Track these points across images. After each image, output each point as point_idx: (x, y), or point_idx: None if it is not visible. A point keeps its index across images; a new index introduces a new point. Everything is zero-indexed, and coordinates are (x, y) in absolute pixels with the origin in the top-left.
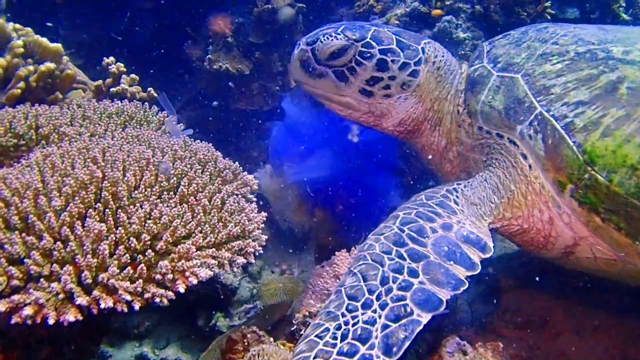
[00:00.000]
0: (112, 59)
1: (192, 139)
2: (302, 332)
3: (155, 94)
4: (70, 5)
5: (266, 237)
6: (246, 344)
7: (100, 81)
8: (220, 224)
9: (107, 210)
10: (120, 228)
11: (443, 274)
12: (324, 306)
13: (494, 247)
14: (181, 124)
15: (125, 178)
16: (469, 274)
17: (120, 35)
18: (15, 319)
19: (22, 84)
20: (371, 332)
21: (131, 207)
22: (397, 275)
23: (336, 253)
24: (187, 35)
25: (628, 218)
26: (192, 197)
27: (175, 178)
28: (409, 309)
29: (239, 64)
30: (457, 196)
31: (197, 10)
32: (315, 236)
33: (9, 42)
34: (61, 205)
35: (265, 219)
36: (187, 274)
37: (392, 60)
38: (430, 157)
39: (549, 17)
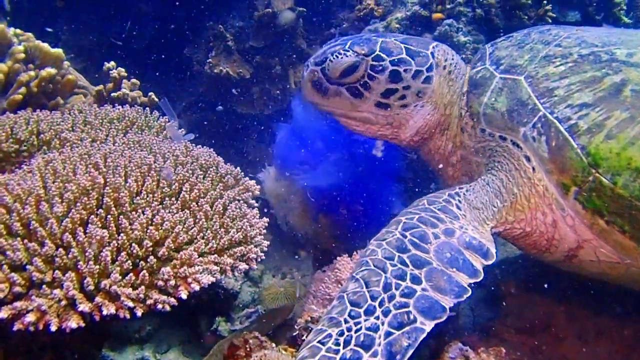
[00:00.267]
0: (112, 63)
1: (193, 144)
2: (304, 337)
3: (156, 99)
4: (71, 9)
5: (268, 242)
6: (248, 349)
7: (102, 86)
8: (222, 229)
9: (109, 216)
10: (122, 234)
11: (446, 281)
12: (327, 312)
13: (496, 252)
14: (182, 129)
15: (127, 184)
16: (472, 281)
17: (121, 39)
18: (17, 326)
19: (23, 90)
20: (374, 338)
21: (133, 213)
22: (399, 281)
23: (338, 258)
24: (188, 39)
25: (632, 221)
26: (194, 203)
27: (177, 184)
28: (412, 317)
29: (239, 68)
30: (459, 201)
31: (198, 14)
32: (317, 241)
33: (10, 48)
34: (63, 211)
35: (267, 224)
36: (189, 280)
37: (405, 70)
38: (435, 161)
39: (550, 21)
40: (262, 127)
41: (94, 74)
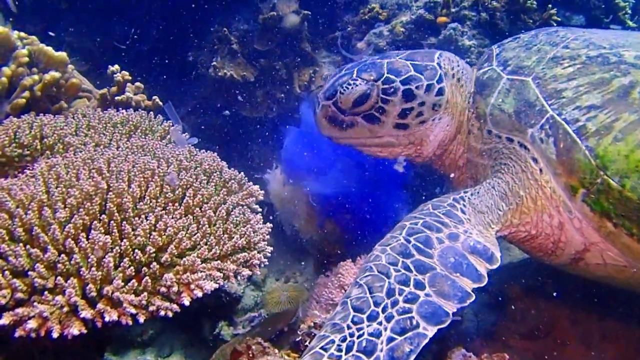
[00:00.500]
0: (116, 67)
1: (197, 148)
2: (307, 343)
3: (160, 102)
4: (75, 11)
5: (271, 248)
6: (251, 355)
7: (105, 90)
8: (226, 235)
9: (112, 222)
10: (125, 240)
11: (449, 287)
12: (330, 317)
13: (500, 257)
14: (186, 133)
15: (131, 189)
16: (476, 285)
17: (125, 42)
18: (19, 332)
19: (26, 94)
20: (376, 344)
21: (136, 218)
22: (403, 287)
23: (341, 263)
24: (193, 42)
25: None
26: (197, 209)
27: (180, 189)
28: (414, 322)
29: (243, 71)
30: (464, 205)
31: (203, 18)
32: (322, 246)
33: (13, 51)
34: (66, 217)
35: (270, 230)
36: (192, 286)
37: (417, 87)
38: (446, 167)
39: (555, 25)
40: (267, 130)
41: (98, 76)
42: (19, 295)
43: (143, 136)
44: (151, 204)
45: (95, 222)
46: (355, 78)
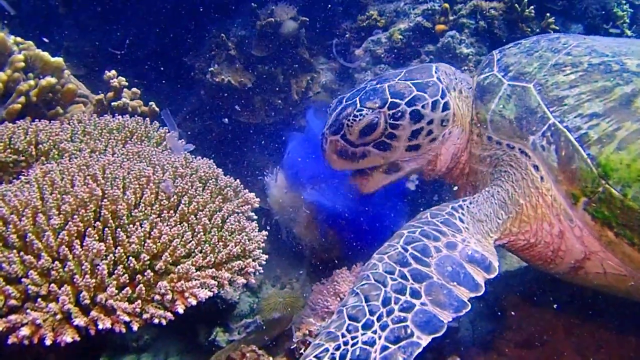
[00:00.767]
0: (113, 72)
1: (193, 155)
2: (301, 350)
3: (157, 108)
4: (74, 16)
5: (266, 256)
6: None
7: (102, 95)
8: (221, 243)
9: (106, 229)
10: (119, 247)
11: (445, 296)
12: (325, 326)
13: (498, 266)
14: (182, 140)
15: (125, 196)
16: (473, 295)
17: (122, 47)
18: (12, 339)
19: (22, 99)
20: (370, 352)
21: (131, 226)
22: (399, 296)
23: (337, 271)
24: (190, 48)
25: None
26: (192, 216)
27: (175, 196)
28: (409, 331)
29: (241, 77)
30: (462, 213)
31: (200, 23)
32: (321, 253)
33: (10, 56)
34: (60, 223)
35: (265, 237)
36: (186, 294)
37: (423, 106)
38: (455, 177)
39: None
40: (264, 137)
41: (96, 81)
42: (12, 302)
43: (139, 143)
44: (146, 211)
45: (90, 229)
46: (360, 108)
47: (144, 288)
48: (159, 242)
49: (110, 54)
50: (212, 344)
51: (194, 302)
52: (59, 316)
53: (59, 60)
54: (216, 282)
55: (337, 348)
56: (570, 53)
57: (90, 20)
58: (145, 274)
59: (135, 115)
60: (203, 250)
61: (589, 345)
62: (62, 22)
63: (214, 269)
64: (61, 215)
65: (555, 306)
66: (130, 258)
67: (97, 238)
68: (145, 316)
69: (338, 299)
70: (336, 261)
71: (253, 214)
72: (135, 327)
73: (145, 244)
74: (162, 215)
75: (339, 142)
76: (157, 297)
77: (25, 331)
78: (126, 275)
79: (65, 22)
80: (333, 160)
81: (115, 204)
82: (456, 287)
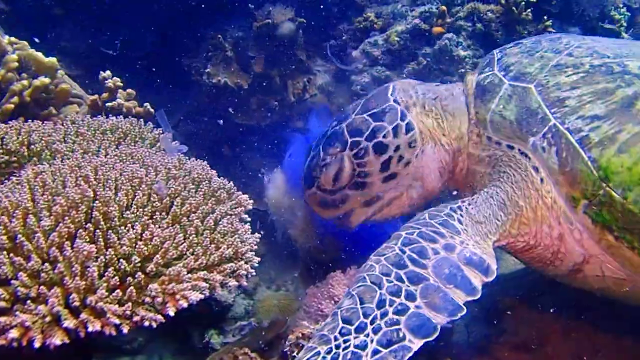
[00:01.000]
0: (108, 73)
1: (187, 156)
2: (294, 354)
3: (152, 109)
4: (71, 17)
5: (259, 258)
6: None
7: (96, 96)
8: (213, 245)
9: (97, 230)
10: (110, 249)
11: (441, 299)
12: (319, 328)
13: (497, 269)
14: (176, 141)
15: (117, 198)
16: (469, 298)
17: (117, 48)
18: (0, 342)
19: (15, 99)
20: (361, 357)
21: (122, 227)
22: (394, 298)
23: (331, 274)
24: (187, 49)
25: None
26: (184, 218)
27: (168, 198)
28: (401, 334)
29: (237, 79)
30: (461, 215)
31: (197, 24)
32: (318, 256)
33: (3, 56)
34: (51, 225)
35: (258, 240)
36: (178, 297)
37: (384, 136)
38: (460, 181)
39: None
40: (260, 139)
41: (92, 81)
42: (1, 304)
43: (132, 144)
44: (138, 212)
45: (81, 230)
46: (324, 157)
47: (134, 290)
48: (151, 244)
49: (107, 55)
50: (206, 346)
51: (185, 305)
52: (48, 318)
53: (53, 60)
54: (208, 285)
55: (329, 351)
56: (571, 54)
57: (86, 20)
58: (136, 276)
59: (130, 116)
60: (195, 253)
61: (585, 349)
62: (58, 22)
63: (205, 271)
64: (52, 217)
65: (552, 309)
66: (121, 260)
67: (88, 240)
68: (135, 319)
69: (332, 302)
70: (331, 264)
71: (246, 216)
72: (125, 329)
73: (137, 246)
74: (154, 217)
75: (316, 194)
76: (148, 299)
77: (14, 333)
78: (117, 277)
79: (61, 23)
80: (318, 211)
81: (107, 206)
82: (452, 289)
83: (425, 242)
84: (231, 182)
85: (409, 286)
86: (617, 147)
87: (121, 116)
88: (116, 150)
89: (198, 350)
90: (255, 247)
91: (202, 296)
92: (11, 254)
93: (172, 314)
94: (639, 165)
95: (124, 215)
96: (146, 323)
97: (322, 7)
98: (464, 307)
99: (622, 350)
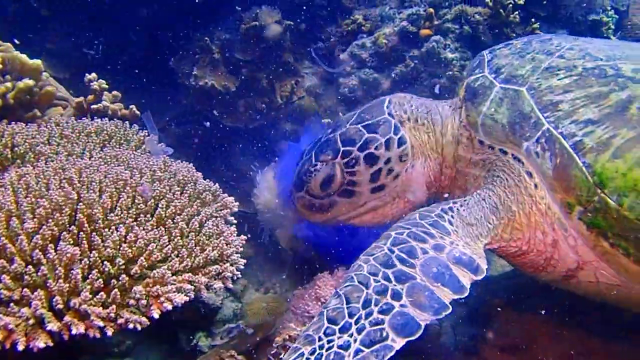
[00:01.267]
0: (94, 75)
1: (172, 159)
2: (281, 355)
3: (138, 112)
4: (57, 18)
5: (245, 260)
6: None
7: (82, 98)
8: (198, 247)
9: (81, 233)
10: (94, 251)
11: (426, 297)
12: (305, 329)
13: (487, 269)
14: (162, 143)
15: (102, 200)
16: (456, 297)
17: (100, 50)
18: None
19: None
20: (343, 357)
21: (106, 230)
22: (380, 297)
23: (318, 275)
24: (174, 51)
25: (637, 244)
26: (169, 220)
27: (153, 200)
28: (384, 334)
29: (225, 81)
30: (452, 216)
31: (185, 26)
32: (305, 259)
33: None
34: (34, 227)
35: (244, 241)
36: (162, 299)
37: (376, 147)
38: (447, 188)
39: None
40: (248, 141)
41: (80, 84)
42: None
43: (117, 146)
44: (122, 215)
45: (65, 233)
46: (314, 163)
47: (118, 293)
48: (135, 246)
49: (93, 57)
50: (194, 349)
51: (170, 307)
52: (31, 321)
53: (37, 62)
54: (193, 287)
55: (312, 352)
56: (563, 56)
57: (74, 23)
58: (121, 278)
59: (116, 119)
60: (180, 255)
61: (573, 352)
62: (45, 24)
63: (190, 274)
64: (35, 219)
65: (540, 311)
66: (106, 262)
67: (71, 242)
68: (119, 321)
69: (319, 303)
70: (318, 265)
71: (232, 218)
72: (109, 332)
73: (121, 248)
74: (139, 219)
75: (305, 198)
76: (132, 301)
77: None
78: (101, 279)
79: (49, 25)
80: (305, 214)
81: (91, 208)
82: (439, 288)
83: (414, 242)
84: (217, 184)
85: (395, 285)
86: (612, 153)
87: (107, 119)
88: (101, 152)
89: (186, 353)
90: (241, 249)
91: (187, 298)
92: None
93: (156, 316)
94: (634, 171)
95: (108, 218)
96: (130, 325)
97: (310, 9)
98: (450, 306)
99: (611, 352)
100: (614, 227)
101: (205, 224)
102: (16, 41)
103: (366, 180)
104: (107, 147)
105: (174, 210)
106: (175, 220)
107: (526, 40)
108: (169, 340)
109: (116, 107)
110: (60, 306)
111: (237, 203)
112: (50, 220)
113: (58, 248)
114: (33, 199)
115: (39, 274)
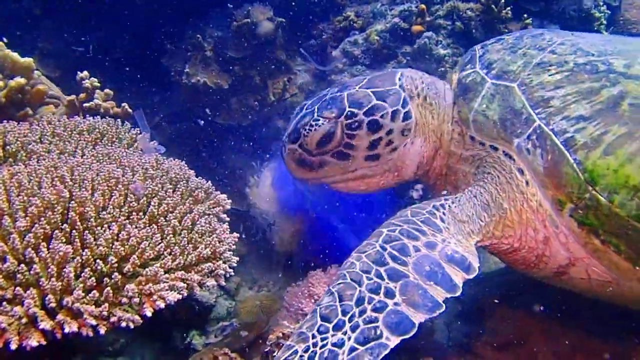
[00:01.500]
0: (85, 73)
1: (165, 157)
2: (275, 353)
3: (130, 110)
4: (50, 17)
5: (238, 258)
6: None
7: (74, 96)
8: (190, 245)
9: (73, 231)
10: (86, 250)
11: (420, 296)
12: (299, 326)
13: (479, 267)
14: (154, 141)
15: (94, 198)
16: (449, 295)
17: (91, 49)
18: None
19: None
20: (337, 354)
21: (98, 228)
22: (373, 295)
23: (311, 272)
24: (166, 49)
25: (629, 241)
26: (162, 218)
27: (145, 198)
28: (378, 332)
29: (217, 79)
30: (443, 213)
31: (177, 24)
32: (300, 257)
33: None
34: (26, 226)
35: (237, 239)
36: (155, 297)
37: (382, 116)
38: (431, 179)
39: None
40: (241, 138)
41: (72, 83)
42: None
43: (109, 144)
44: (114, 213)
45: (57, 231)
46: (317, 118)
47: (111, 291)
48: (127, 244)
49: (85, 56)
50: (188, 347)
51: (162, 305)
52: (24, 320)
53: (29, 60)
54: (185, 285)
55: (306, 350)
56: (554, 51)
57: (67, 22)
58: (113, 276)
59: (108, 117)
60: (172, 253)
61: (566, 348)
62: (38, 23)
63: (183, 272)
64: (28, 218)
65: (532, 309)
66: (98, 261)
67: (64, 240)
68: (112, 319)
69: (312, 300)
70: (312, 263)
71: (225, 215)
72: (102, 330)
73: (113, 246)
74: (131, 217)
75: (297, 151)
76: (125, 300)
77: None
78: (93, 278)
79: (41, 24)
80: (292, 168)
81: (83, 206)
82: (432, 286)
83: (406, 239)
84: (209, 182)
85: (388, 283)
86: (603, 149)
87: (99, 117)
88: (93, 150)
89: (180, 351)
90: (234, 246)
91: (179, 296)
92: None
93: (149, 314)
94: (626, 168)
95: (100, 216)
96: (123, 324)
97: (302, 6)
98: (443, 305)
99: (602, 348)
100: (605, 224)
101: (198, 222)
102: (4, 39)
103: (364, 146)
104: (99, 145)
105: (166, 208)
106: (167, 218)
107: (518, 36)
108: (163, 338)
109: (108, 105)
110: (53, 305)
111: (229, 201)
112: (42, 218)
113: (50, 246)
114: (25, 198)
115: (32, 272)
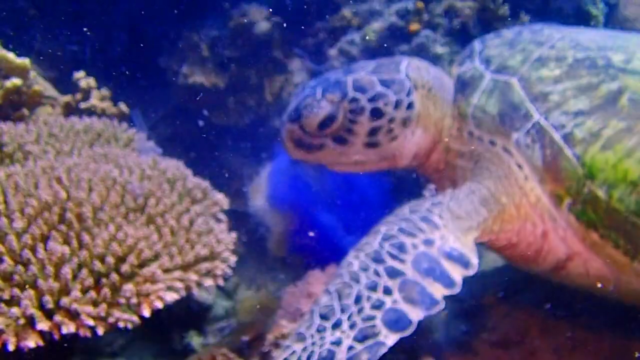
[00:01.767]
0: (82, 73)
1: (162, 156)
2: (273, 354)
3: (126, 110)
4: (45, 18)
5: (236, 257)
6: None
7: (70, 96)
8: (188, 245)
9: (70, 232)
10: (84, 250)
11: (418, 293)
12: (297, 326)
13: (478, 264)
14: (151, 141)
15: (91, 198)
16: (448, 292)
17: (87, 50)
18: None
19: None
20: (335, 353)
21: (96, 228)
22: (371, 293)
23: (309, 272)
24: (163, 49)
25: (627, 236)
26: (159, 218)
27: (142, 198)
28: (376, 330)
29: (214, 78)
30: (441, 209)
31: (173, 23)
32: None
33: None
34: (23, 226)
35: (235, 239)
36: (152, 297)
37: (385, 104)
38: (429, 172)
39: None
40: (238, 138)
41: (69, 83)
42: None
43: (106, 144)
44: (111, 213)
45: (54, 232)
46: (319, 99)
47: (109, 291)
48: (125, 244)
49: (82, 56)
50: (186, 347)
51: (160, 305)
52: (21, 321)
53: (25, 61)
54: (183, 285)
55: (304, 349)
56: (554, 46)
57: (63, 22)
58: (111, 277)
59: (104, 117)
60: (170, 253)
61: (565, 345)
62: (33, 23)
63: (181, 271)
64: (24, 218)
65: (532, 306)
66: (95, 261)
67: (61, 241)
68: (110, 320)
69: (311, 300)
70: (311, 262)
71: (223, 215)
72: (100, 331)
73: (111, 247)
74: (128, 217)
75: (296, 131)
76: (123, 300)
77: None
78: (91, 278)
79: (36, 24)
80: (289, 147)
81: (80, 207)
82: (431, 283)
83: (404, 236)
84: (207, 182)
85: (387, 281)
86: (602, 144)
87: (95, 117)
88: (90, 150)
89: (178, 352)
90: (232, 246)
91: (177, 296)
92: None
93: (147, 314)
94: (624, 162)
95: (97, 216)
96: (121, 324)
97: (299, 5)
98: (442, 302)
99: (602, 346)
100: (603, 218)
101: (196, 222)
102: None
103: (364, 132)
104: (95, 146)
105: (163, 208)
106: (165, 218)
107: (517, 30)
108: (161, 338)
109: (105, 105)
110: (51, 305)
111: (227, 200)
112: (39, 219)
113: (47, 247)
114: (22, 198)
115: (29, 273)
